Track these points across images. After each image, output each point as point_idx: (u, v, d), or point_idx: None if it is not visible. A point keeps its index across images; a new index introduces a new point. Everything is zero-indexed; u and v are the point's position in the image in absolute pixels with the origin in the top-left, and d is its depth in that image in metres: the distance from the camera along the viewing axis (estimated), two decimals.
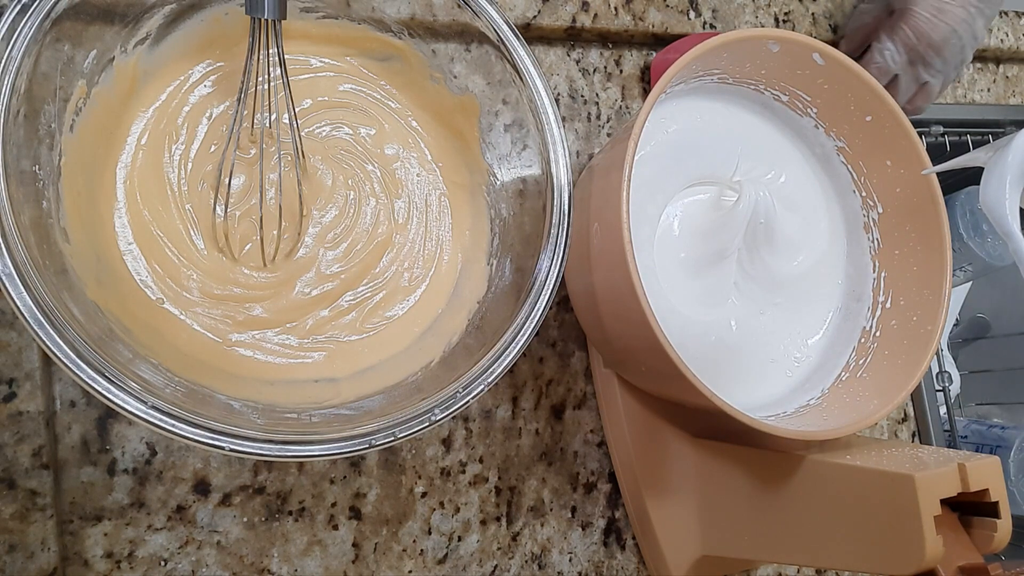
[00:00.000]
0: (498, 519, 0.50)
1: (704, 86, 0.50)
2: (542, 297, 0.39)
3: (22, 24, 0.33)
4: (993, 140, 0.56)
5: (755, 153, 0.51)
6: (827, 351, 0.51)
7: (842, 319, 0.52)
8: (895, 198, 0.49)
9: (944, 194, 0.47)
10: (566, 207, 0.41)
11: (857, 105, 0.48)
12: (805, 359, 0.51)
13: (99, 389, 0.30)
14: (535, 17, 0.53)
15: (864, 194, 0.51)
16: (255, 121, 0.43)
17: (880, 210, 0.50)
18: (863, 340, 0.50)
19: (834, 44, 0.54)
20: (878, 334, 0.49)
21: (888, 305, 0.49)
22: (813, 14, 0.63)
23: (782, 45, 0.45)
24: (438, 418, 0.35)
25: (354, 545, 0.47)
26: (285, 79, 0.41)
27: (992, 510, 0.37)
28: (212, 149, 0.43)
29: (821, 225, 0.53)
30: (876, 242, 0.51)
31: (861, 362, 0.48)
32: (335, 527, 0.46)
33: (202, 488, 0.44)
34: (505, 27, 0.42)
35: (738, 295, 0.50)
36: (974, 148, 0.60)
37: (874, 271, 0.51)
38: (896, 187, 0.49)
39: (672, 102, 0.50)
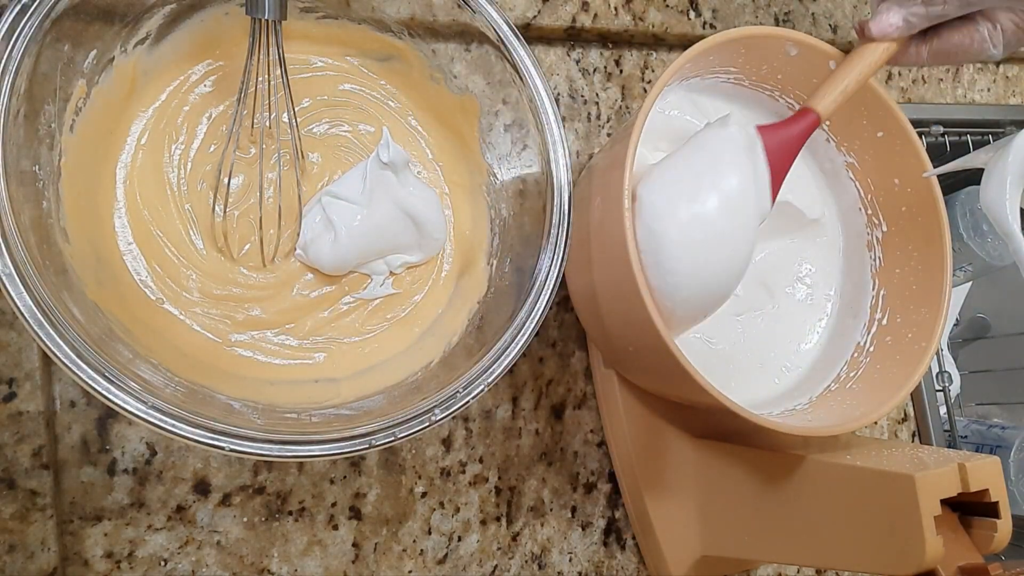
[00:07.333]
0: (498, 519, 0.50)
1: (718, 85, 0.50)
2: (542, 297, 0.39)
3: (22, 24, 0.33)
4: (993, 140, 0.56)
5: None
6: (818, 362, 0.51)
7: (836, 334, 0.52)
8: (900, 216, 0.49)
9: (944, 194, 0.47)
10: (566, 207, 0.41)
11: (870, 120, 0.47)
12: (795, 368, 0.51)
13: (99, 389, 0.30)
14: (535, 17, 0.53)
15: (870, 212, 0.51)
16: (255, 121, 0.43)
17: (884, 228, 0.50)
18: (856, 355, 0.49)
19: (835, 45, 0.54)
20: (871, 349, 0.49)
21: (884, 322, 0.49)
22: (813, 14, 0.63)
23: (800, 49, 0.44)
24: (438, 418, 0.35)
25: (354, 545, 0.47)
26: (285, 79, 0.41)
27: (992, 510, 0.37)
28: (212, 149, 0.43)
29: (821, 239, 0.53)
30: (878, 260, 0.51)
31: (852, 375, 0.48)
32: (335, 527, 0.46)
33: (202, 488, 0.44)
34: (505, 27, 0.42)
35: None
36: (974, 148, 0.60)
37: (873, 288, 0.51)
38: (902, 206, 0.48)
39: (686, 95, 0.49)
